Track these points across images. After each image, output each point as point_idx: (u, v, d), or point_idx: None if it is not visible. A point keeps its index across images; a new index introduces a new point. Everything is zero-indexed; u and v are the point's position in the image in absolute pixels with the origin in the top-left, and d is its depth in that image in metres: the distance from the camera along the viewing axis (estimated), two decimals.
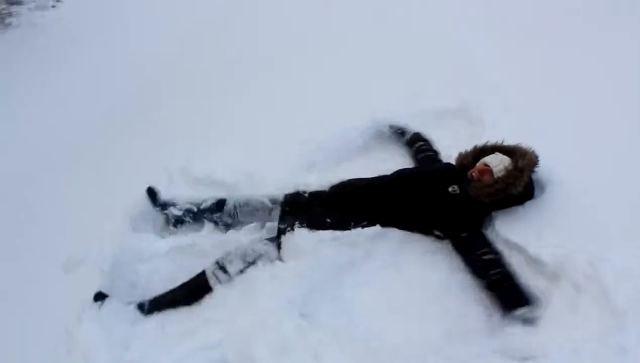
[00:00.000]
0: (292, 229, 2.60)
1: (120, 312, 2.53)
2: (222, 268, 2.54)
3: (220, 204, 2.98)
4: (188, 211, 3.04)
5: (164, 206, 3.10)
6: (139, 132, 4.19)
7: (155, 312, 2.53)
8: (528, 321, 2.18)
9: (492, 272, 2.36)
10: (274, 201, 2.90)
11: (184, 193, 3.18)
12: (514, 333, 2.16)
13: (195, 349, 2.15)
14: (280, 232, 2.67)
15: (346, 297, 2.45)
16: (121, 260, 2.79)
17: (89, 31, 6.65)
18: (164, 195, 3.17)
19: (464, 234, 2.55)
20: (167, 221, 3.12)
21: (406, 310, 2.38)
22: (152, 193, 3.14)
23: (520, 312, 2.20)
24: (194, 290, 2.57)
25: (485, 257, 2.42)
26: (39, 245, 3.11)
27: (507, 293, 2.30)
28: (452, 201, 2.63)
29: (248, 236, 2.87)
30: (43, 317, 2.57)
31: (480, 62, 3.88)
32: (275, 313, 2.26)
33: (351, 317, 2.37)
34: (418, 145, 3.23)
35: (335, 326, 2.29)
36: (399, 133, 3.40)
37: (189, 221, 3.06)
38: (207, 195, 3.06)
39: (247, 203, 2.93)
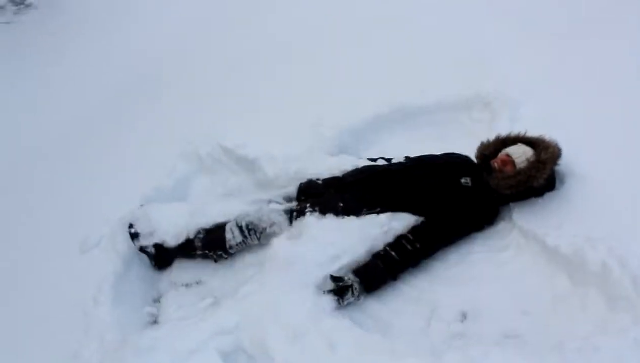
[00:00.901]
0: (303, 214, 2.61)
1: (135, 295, 2.56)
2: (239, 227, 2.65)
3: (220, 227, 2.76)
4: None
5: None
6: (153, 111, 4.20)
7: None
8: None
9: (391, 251, 2.45)
10: (288, 199, 2.87)
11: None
12: (528, 323, 2.15)
13: (210, 334, 2.15)
14: (293, 214, 2.67)
15: None
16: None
17: (105, 12, 6.66)
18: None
19: (422, 219, 2.57)
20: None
21: (420, 299, 2.38)
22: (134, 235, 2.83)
23: (351, 282, 2.33)
24: (211, 239, 2.70)
25: (401, 240, 2.48)
26: (55, 228, 3.14)
27: (373, 270, 2.41)
28: (463, 193, 2.61)
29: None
30: (60, 298, 2.60)
31: (495, 55, 3.83)
32: (289, 299, 2.25)
33: (365, 306, 2.37)
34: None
35: (350, 315, 2.29)
36: None
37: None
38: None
39: (259, 221, 2.69)
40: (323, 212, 2.59)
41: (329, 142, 3.28)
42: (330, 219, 2.56)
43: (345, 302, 2.32)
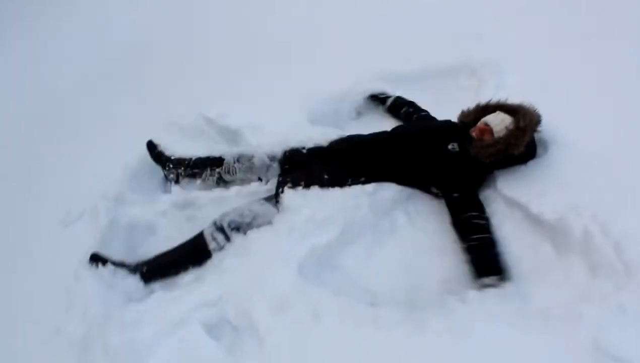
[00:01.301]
0: (283, 190, 2.58)
1: (118, 270, 2.53)
2: (220, 229, 2.50)
3: (219, 160, 2.94)
4: (187, 164, 2.99)
5: (162, 159, 3.10)
6: (138, 86, 4.16)
7: (154, 280, 2.52)
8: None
9: (474, 236, 2.34)
10: (272, 158, 2.85)
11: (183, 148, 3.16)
12: (508, 295, 2.14)
13: (194, 306, 2.15)
14: (277, 192, 2.64)
15: (345, 257, 2.44)
16: (118, 219, 2.78)
17: None
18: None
19: (455, 194, 2.51)
20: (166, 177, 3.10)
21: (409, 267, 2.38)
22: (151, 146, 3.17)
23: (489, 280, 2.20)
24: (192, 253, 2.52)
25: (473, 221, 2.40)
26: (37, 200, 3.12)
27: (483, 260, 2.28)
28: (451, 159, 2.59)
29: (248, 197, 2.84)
30: (43, 273, 2.59)
31: (484, 22, 3.80)
32: (274, 270, 2.24)
33: (352, 275, 2.37)
34: (405, 110, 3.18)
35: (335, 284, 2.28)
36: (381, 99, 3.35)
37: (188, 175, 3.00)
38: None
39: (245, 158, 2.88)
40: (307, 184, 2.57)
41: (315, 112, 3.24)
42: (314, 191, 2.54)
43: None
